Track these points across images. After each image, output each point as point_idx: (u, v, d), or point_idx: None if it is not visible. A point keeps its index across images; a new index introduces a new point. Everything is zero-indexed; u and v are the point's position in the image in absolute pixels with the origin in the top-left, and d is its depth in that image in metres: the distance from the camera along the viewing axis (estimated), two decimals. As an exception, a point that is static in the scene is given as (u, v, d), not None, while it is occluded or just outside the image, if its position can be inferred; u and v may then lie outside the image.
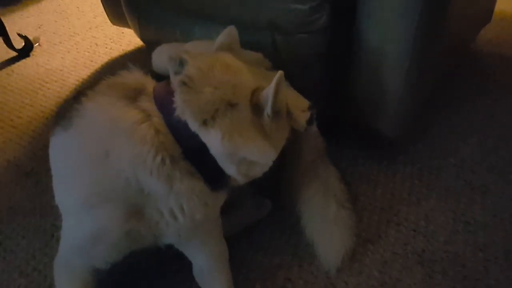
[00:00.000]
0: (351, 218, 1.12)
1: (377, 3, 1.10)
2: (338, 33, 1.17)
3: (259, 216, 1.19)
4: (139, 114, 0.84)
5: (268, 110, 0.84)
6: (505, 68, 1.69)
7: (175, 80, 0.84)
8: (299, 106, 0.96)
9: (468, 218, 1.18)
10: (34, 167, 1.39)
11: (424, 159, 1.34)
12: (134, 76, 0.91)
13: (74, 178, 0.88)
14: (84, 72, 1.80)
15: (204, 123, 0.82)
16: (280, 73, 0.82)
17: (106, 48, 1.93)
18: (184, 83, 0.83)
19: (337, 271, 1.08)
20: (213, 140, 0.83)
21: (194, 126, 0.82)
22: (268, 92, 0.83)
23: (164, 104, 0.84)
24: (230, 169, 0.87)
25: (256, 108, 0.85)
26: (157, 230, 0.90)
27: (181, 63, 0.85)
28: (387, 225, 1.18)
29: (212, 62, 0.85)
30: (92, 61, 1.86)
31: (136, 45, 1.92)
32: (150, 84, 0.90)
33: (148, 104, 0.85)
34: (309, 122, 0.96)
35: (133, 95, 0.87)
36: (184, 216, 0.88)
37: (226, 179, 0.89)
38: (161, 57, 1.16)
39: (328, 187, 1.15)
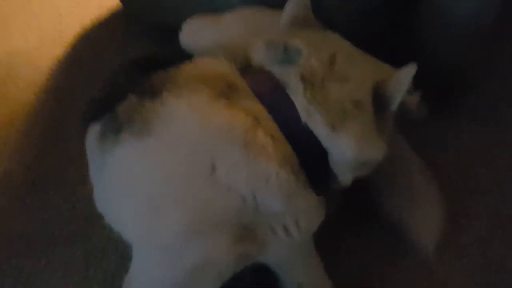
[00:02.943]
0: (437, 191, 0.98)
1: None
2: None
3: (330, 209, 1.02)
4: (247, 117, 0.66)
5: (394, 107, 0.71)
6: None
7: (285, 74, 0.68)
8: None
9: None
10: (35, 180, 1.12)
11: (487, 110, 1.20)
12: (214, 65, 0.72)
13: (167, 203, 0.67)
14: (56, 50, 1.49)
15: (333, 127, 0.67)
16: (411, 67, 0.69)
17: (73, 16, 1.61)
18: (305, 79, 0.66)
19: (436, 258, 0.95)
20: (343, 147, 0.68)
21: (323, 131, 0.67)
22: (397, 87, 0.70)
23: (276, 104, 0.67)
24: (346, 176, 0.74)
25: (378, 104, 0.71)
26: (265, 249, 0.74)
27: (287, 50, 0.68)
28: (472, 194, 1.05)
29: (331, 50, 0.70)
30: (61, 33, 1.54)
31: (109, 8, 1.61)
32: (238, 77, 0.71)
33: (251, 103, 0.67)
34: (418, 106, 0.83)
35: (227, 92, 0.68)
36: (299, 232, 0.73)
37: (330, 184, 0.75)
38: (194, 34, 0.94)
39: (405, 159, 1.00)
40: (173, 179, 0.66)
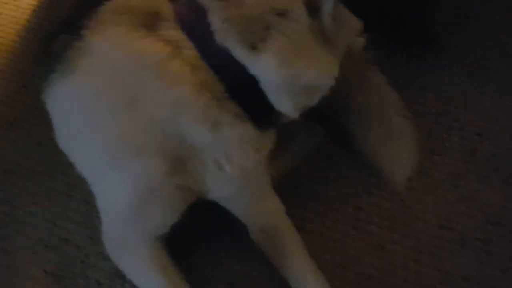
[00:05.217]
0: (412, 129, 1.00)
1: None
2: None
3: (312, 145, 1.02)
4: (165, 46, 0.65)
5: (329, 5, 0.66)
6: None
7: None
8: (353, 28, 0.79)
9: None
10: (17, 116, 1.13)
11: (469, 54, 1.20)
12: None
13: (94, 134, 0.70)
14: (39, -13, 1.46)
15: (253, 47, 0.64)
16: None
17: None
18: None
19: (409, 190, 0.97)
20: (267, 69, 0.65)
21: (241, 53, 0.64)
22: None
23: (196, 29, 0.65)
24: (285, 105, 0.70)
25: (312, 8, 0.66)
26: (203, 184, 0.74)
27: None
28: (448, 132, 1.07)
29: None
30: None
31: None
32: (165, 5, 0.70)
33: (172, 32, 0.66)
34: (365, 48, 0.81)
35: (150, 22, 0.67)
36: (232, 166, 0.72)
37: (276, 116, 0.73)
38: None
39: (382, 97, 1.01)
40: (95, 112, 0.68)
